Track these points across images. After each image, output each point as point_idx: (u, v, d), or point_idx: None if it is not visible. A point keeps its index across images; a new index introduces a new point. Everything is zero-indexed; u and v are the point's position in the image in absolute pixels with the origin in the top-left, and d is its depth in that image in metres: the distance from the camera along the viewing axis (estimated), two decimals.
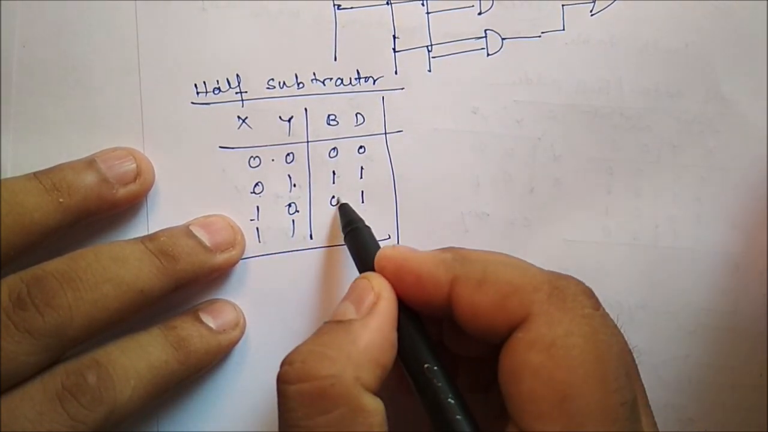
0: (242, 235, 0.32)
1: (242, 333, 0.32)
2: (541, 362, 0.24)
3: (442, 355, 0.28)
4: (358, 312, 0.27)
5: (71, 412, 0.27)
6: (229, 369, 0.33)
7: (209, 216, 0.32)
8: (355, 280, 0.29)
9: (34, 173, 0.29)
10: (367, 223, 0.32)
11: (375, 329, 0.26)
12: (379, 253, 0.29)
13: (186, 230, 0.31)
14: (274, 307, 0.33)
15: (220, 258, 0.31)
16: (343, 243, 0.33)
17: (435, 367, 0.27)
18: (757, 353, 0.35)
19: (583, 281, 0.27)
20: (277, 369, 0.33)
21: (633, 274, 0.35)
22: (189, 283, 0.30)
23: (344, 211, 0.33)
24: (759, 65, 0.34)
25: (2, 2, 0.31)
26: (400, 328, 0.27)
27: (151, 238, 0.30)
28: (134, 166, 0.31)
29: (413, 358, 0.27)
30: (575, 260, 0.35)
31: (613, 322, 0.27)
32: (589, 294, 0.27)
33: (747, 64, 0.34)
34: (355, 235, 0.31)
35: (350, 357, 0.25)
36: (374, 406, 0.25)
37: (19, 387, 0.27)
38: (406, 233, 0.34)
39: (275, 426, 0.33)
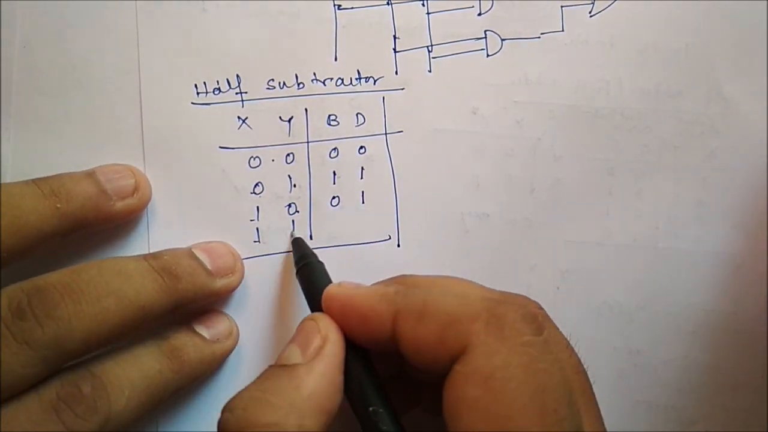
0: (242, 262, 0.32)
1: (236, 342, 0.32)
2: (479, 396, 0.24)
3: (405, 381, 0.28)
4: (304, 356, 0.27)
5: (66, 422, 0.27)
6: (229, 369, 0.33)
7: (211, 242, 0.32)
8: (303, 321, 0.28)
9: (33, 180, 0.29)
10: (320, 259, 0.31)
11: (320, 374, 0.26)
12: (325, 292, 0.28)
13: (189, 252, 0.31)
14: (273, 307, 0.33)
15: (220, 283, 0.31)
16: (344, 244, 0.33)
17: (380, 410, 0.26)
18: (757, 354, 0.35)
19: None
20: None
21: (633, 275, 0.35)
22: (188, 304, 0.30)
23: (297, 245, 0.32)
24: (759, 65, 0.34)
25: (2, 2, 0.31)
26: (348, 369, 0.27)
27: (155, 256, 0.30)
28: (133, 181, 0.31)
29: (359, 399, 0.27)
30: (575, 261, 0.35)
31: (559, 345, 0.26)
32: (530, 319, 0.26)
33: (747, 64, 0.34)
34: (305, 272, 0.31)
35: (293, 404, 0.25)
36: None
37: (14, 398, 0.27)
38: (407, 233, 0.34)
39: None
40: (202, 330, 0.31)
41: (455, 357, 0.25)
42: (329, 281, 0.30)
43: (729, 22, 0.34)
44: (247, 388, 0.26)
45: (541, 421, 0.23)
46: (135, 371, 0.29)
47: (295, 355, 0.27)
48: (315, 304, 0.29)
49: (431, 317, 0.26)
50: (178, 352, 0.30)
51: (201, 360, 0.31)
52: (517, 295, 0.27)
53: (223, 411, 0.25)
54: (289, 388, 0.25)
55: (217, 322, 0.32)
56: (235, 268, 0.32)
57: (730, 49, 0.34)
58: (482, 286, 0.28)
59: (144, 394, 0.29)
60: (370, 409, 0.26)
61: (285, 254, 0.33)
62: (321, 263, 0.31)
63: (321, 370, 0.26)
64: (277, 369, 0.26)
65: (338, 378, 0.27)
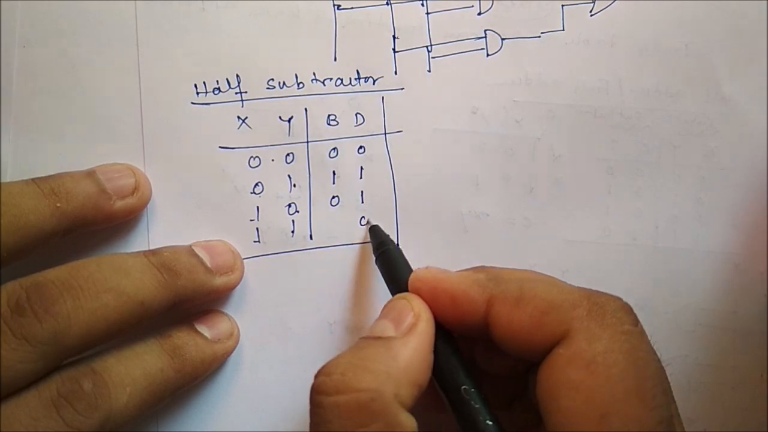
0: (242, 261, 0.33)
1: (236, 343, 0.33)
2: (581, 379, 0.24)
3: (470, 372, 0.28)
4: (397, 331, 0.27)
5: (67, 419, 0.26)
6: (229, 369, 0.33)
7: (211, 240, 0.32)
8: (392, 299, 0.29)
9: (33, 179, 0.29)
10: (398, 245, 0.32)
11: (414, 349, 0.26)
12: (413, 275, 0.29)
13: (188, 249, 0.31)
14: (273, 307, 0.33)
15: (219, 281, 0.31)
16: (344, 243, 0.33)
17: (472, 389, 0.27)
18: (757, 353, 0.35)
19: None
20: (276, 369, 0.33)
21: (633, 275, 0.35)
22: (187, 301, 0.30)
23: (375, 233, 0.33)
24: (759, 65, 0.34)
25: (2, 2, 0.31)
26: (436, 349, 0.27)
27: (154, 252, 0.30)
28: (133, 180, 0.31)
29: (449, 378, 0.27)
30: (575, 260, 0.35)
31: (648, 338, 0.27)
32: (628, 310, 0.27)
33: (747, 64, 0.34)
34: (387, 257, 0.32)
35: (390, 373, 0.25)
36: (410, 424, 0.25)
37: (14, 394, 0.27)
38: (406, 233, 0.34)
39: (274, 426, 0.33)
40: (204, 330, 0.32)
41: (554, 342, 0.26)
42: (409, 266, 0.31)
43: (729, 22, 0.34)
44: (342, 356, 0.26)
45: (641, 406, 0.24)
46: (137, 369, 0.29)
47: (388, 329, 0.27)
48: (398, 287, 0.30)
49: (529, 303, 0.26)
50: (180, 351, 0.30)
51: (202, 360, 0.31)
52: (603, 292, 0.27)
53: (318, 375, 0.26)
54: (386, 358, 0.26)
55: (218, 323, 0.32)
56: (234, 266, 0.32)
57: (730, 49, 0.34)
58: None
59: (145, 392, 0.29)
60: (463, 387, 0.27)
61: (285, 254, 0.33)
62: (399, 249, 0.32)
63: (415, 345, 0.27)
64: (372, 340, 0.27)
65: (429, 356, 0.27)
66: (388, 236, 0.33)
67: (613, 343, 0.25)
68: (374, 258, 0.32)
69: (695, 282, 0.35)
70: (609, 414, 0.24)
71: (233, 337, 0.32)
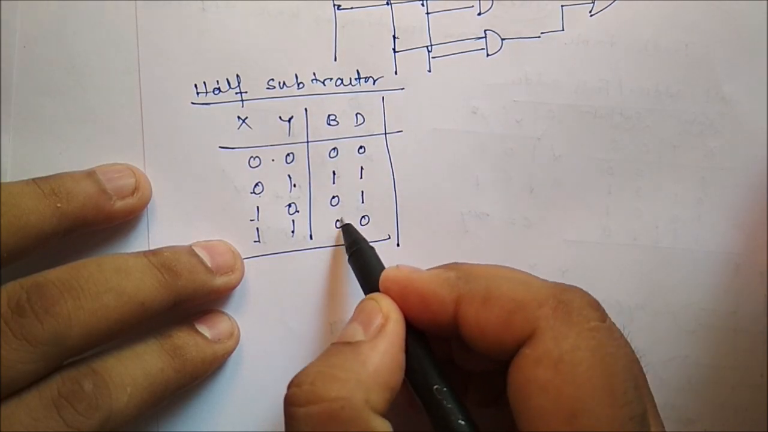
0: (242, 261, 0.33)
1: (237, 343, 0.33)
2: (549, 378, 0.24)
3: (451, 371, 0.28)
4: (366, 333, 0.27)
5: (67, 419, 0.27)
6: (229, 369, 0.33)
7: (211, 240, 0.33)
8: (362, 301, 0.29)
9: (33, 179, 0.29)
10: (370, 244, 0.32)
11: (384, 351, 0.26)
12: (383, 275, 0.29)
13: (189, 249, 0.31)
14: (273, 307, 0.33)
15: (220, 281, 0.31)
16: (344, 243, 0.33)
17: (444, 389, 0.27)
18: (757, 353, 0.35)
19: (584, 282, 0.27)
20: (276, 369, 0.33)
21: (633, 275, 0.35)
22: (187, 301, 0.30)
23: (347, 231, 0.33)
24: (759, 65, 0.34)
25: (2, 2, 0.31)
26: (408, 349, 0.27)
27: (155, 252, 0.30)
28: (133, 180, 0.31)
29: (422, 379, 0.27)
30: (575, 260, 0.35)
31: (619, 332, 0.26)
32: (595, 306, 0.26)
33: (747, 64, 0.34)
34: (358, 256, 0.31)
35: (360, 379, 0.25)
36: (383, 428, 0.25)
37: (14, 395, 0.27)
38: (406, 233, 0.34)
39: (274, 426, 0.33)
40: (204, 330, 0.32)
41: (521, 341, 0.26)
42: (382, 265, 0.31)
43: (729, 22, 0.34)
44: (312, 364, 0.26)
45: (610, 403, 0.24)
46: (137, 369, 0.29)
47: (357, 333, 0.27)
48: (370, 287, 0.30)
49: (496, 302, 0.26)
50: (180, 351, 0.30)
51: (203, 359, 0.31)
52: (571, 285, 0.27)
53: (290, 386, 0.26)
54: (355, 364, 0.26)
55: (218, 323, 0.32)
56: (235, 267, 0.32)
57: (730, 49, 0.34)
58: (536, 276, 0.28)
59: (146, 392, 0.29)
60: (435, 387, 0.27)
61: (285, 254, 0.33)
62: (372, 248, 0.32)
63: (384, 348, 0.26)
64: (341, 346, 0.27)
65: (400, 356, 0.27)
66: (360, 235, 0.33)
67: (580, 340, 0.25)
68: (347, 257, 0.32)
69: (695, 282, 0.35)
70: (578, 413, 0.24)
71: (233, 337, 0.32)
